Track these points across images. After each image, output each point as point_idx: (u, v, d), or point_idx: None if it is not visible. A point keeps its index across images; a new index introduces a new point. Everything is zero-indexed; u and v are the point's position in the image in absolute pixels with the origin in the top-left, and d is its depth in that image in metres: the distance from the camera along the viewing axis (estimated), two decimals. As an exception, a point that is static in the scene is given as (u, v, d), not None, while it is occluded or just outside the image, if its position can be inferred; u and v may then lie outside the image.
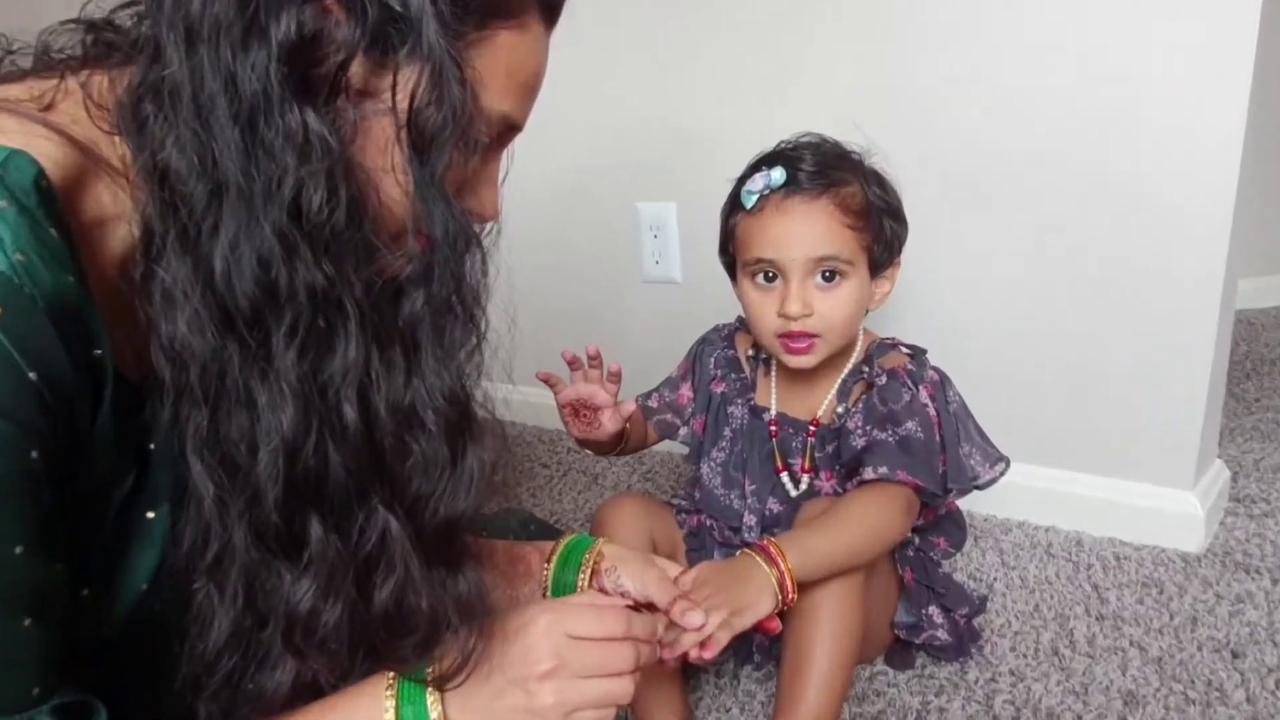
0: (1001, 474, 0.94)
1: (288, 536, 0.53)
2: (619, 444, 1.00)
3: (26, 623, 0.48)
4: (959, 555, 1.12)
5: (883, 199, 0.91)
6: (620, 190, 1.49)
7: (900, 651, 0.98)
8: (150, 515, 0.56)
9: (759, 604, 0.78)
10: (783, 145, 0.94)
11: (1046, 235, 1.15)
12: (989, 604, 1.08)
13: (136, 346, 0.53)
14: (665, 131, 1.41)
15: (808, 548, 0.82)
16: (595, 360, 0.94)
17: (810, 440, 0.96)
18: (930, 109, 1.18)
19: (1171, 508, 1.16)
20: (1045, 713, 0.90)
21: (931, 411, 0.90)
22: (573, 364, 0.95)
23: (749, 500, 0.98)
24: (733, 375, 1.03)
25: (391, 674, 0.60)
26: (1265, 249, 2.03)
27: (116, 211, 0.53)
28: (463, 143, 0.52)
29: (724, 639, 0.75)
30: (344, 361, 0.51)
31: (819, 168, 0.89)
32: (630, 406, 0.95)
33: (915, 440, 0.87)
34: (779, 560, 0.80)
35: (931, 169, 1.19)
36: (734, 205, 0.93)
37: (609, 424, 0.93)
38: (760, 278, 0.91)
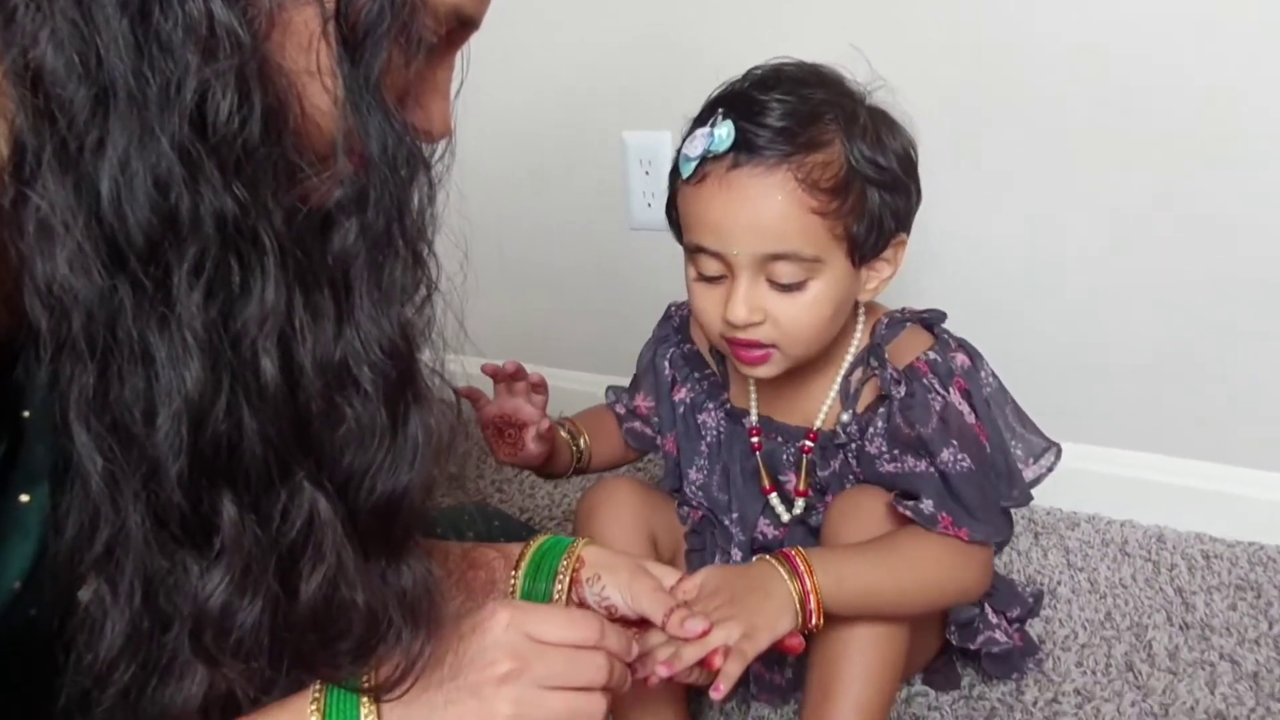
0: (1049, 469, 0.92)
1: (194, 520, 0.53)
2: (560, 467, 1.01)
3: None
4: (1009, 550, 1.14)
5: (873, 163, 0.81)
6: (603, 118, 1.48)
7: (944, 668, 0.99)
8: (24, 498, 0.56)
9: (777, 623, 0.77)
10: (748, 81, 0.85)
11: (1124, 184, 1.16)
12: (1052, 613, 1.10)
13: (4, 290, 0.53)
14: (656, 48, 1.40)
15: (842, 575, 0.80)
16: (516, 375, 0.95)
17: (807, 456, 0.93)
18: (988, 27, 1.17)
19: (1272, 496, 1.18)
20: None
21: (971, 418, 0.86)
22: (495, 376, 0.96)
23: (732, 527, 0.97)
24: (696, 375, 1.00)
25: (318, 685, 0.61)
26: None
27: None
28: (404, 39, 0.52)
29: (735, 672, 0.73)
30: (260, 307, 0.51)
31: (783, 124, 0.79)
32: (545, 425, 0.95)
33: (959, 475, 0.83)
34: (804, 575, 0.79)
35: (979, 101, 1.19)
36: (677, 162, 0.87)
37: (533, 445, 0.94)
38: (703, 263, 0.85)
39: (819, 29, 1.26)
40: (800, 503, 0.95)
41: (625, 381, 1.11)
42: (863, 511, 0.87)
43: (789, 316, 0.83)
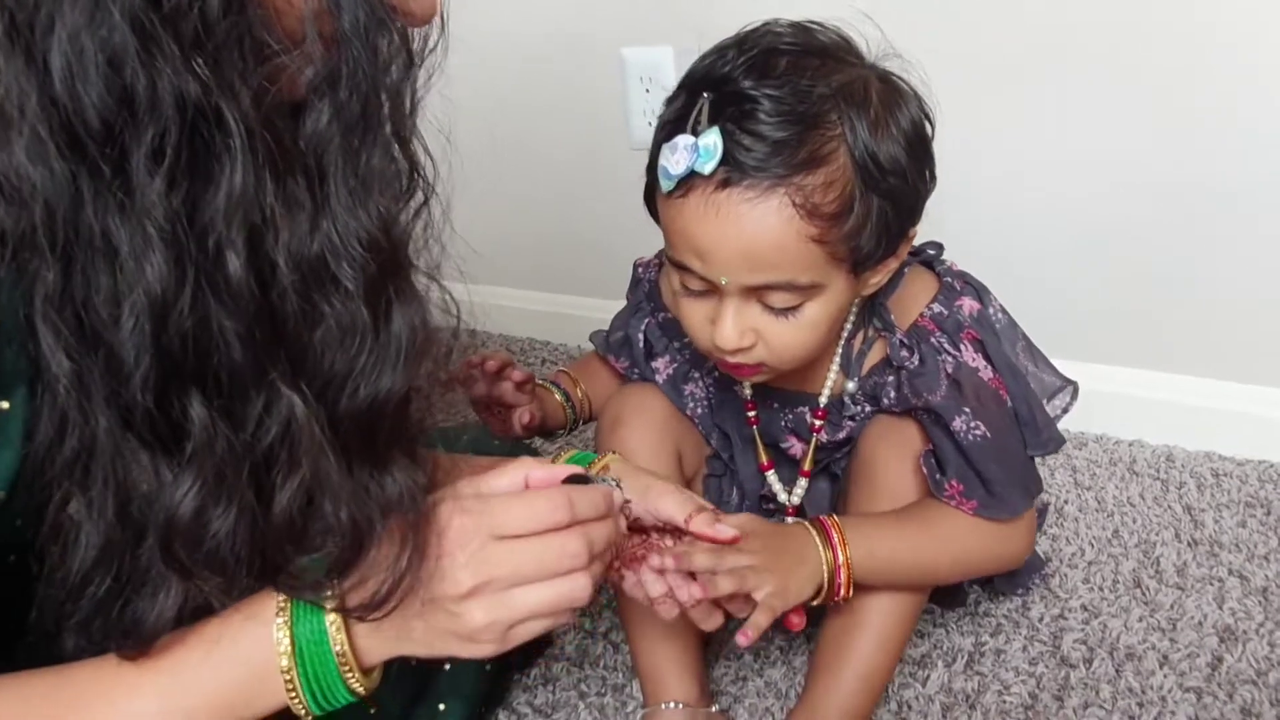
0: (1065, 409, 0.89)
1: (164, 423, 0.51)
2: (554, 427, 0.98)
3: None
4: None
5: (880, 165, 0.72)
6: (601, 32, 1.46)
7: (950, 585, 0.97)
8: (3, 405, 0.54)
9: (804, 590, 0.75)
10: (738, 60, 0.73)
11: (1133, 104, 1.15)
12: (1059, 531, 1.10)
13: None
14: None
15: (873, 549, 0.78)
16: (500, 374, 0.91)
17: (816, 435, 0.89)
18: None
19: None
20: (1124, 652, 0.92)
21: (987, 374, 0.82)
22: (482, 372, 0.92)
23: (736, 490, 0.95)
24: (676, 345, 0.95)
25: (283, 595, 0.59)
26: None
27: None
28: None
29: (764, 623, 0.72)
30: (228, 195, 0.49)
31: (779, 135, 0.70)
32: (528, 417, 0.91)
33: (975, 445, 0.78)
34: (839, 547, 0.77)
35: (1012, 36, 1.18)
36: (654, 158, 0.77)
37: (519, 429, 0.91)
38: (688, 280, 0.77)
39: None
40: (803, 483, 0.92)
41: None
42: (898, 439, 0.84)
43: (781, 340, 0.77)
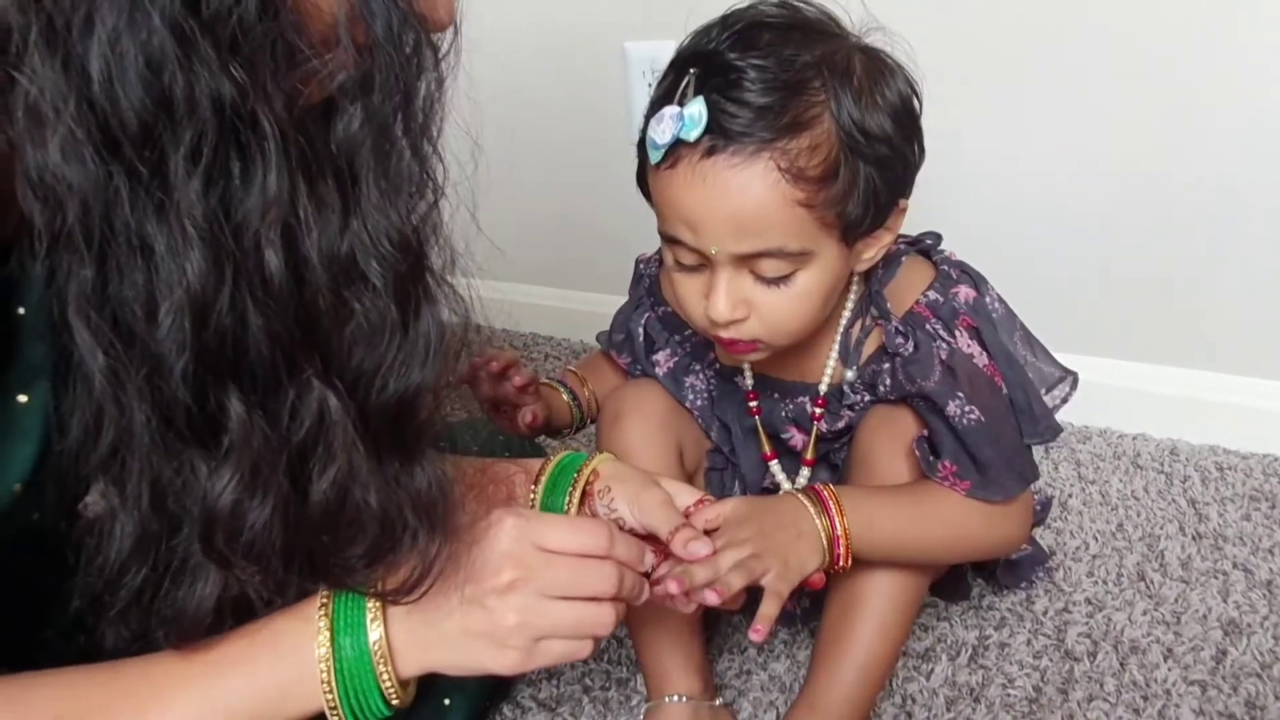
0: (1064, 399, 0.91)
1: (201, 418, 0.53)
2: (561, 426, 0.99)
3: None
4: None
5: (868, 132, 0.74)
6: (603, 26, 1.47)
7: (954, 579, 0.99)
8: (21, 399, 0.56)
9: (807, 563, 0.76)
10: (724, 35, 0.76)
11: (1134, 92, 1.16)
12: (1063, 524, 1.12)
13: None
14: None
15: (875, 518, 0.80)
16: (504, 375, 0.92)
17: (816, 424, 0.91)
18: None
19: None
20: (1129, 646, 0.94)
21: (982, 360, 0.83)
22: (486, 372, 0.93)
23: (738, 493, 0.96)
24: (677, 338, 0.97)
25: (326, 591, 0.62)
26: None
27: None
28: None
29: (773, 613, 0.73)
30: (263, 195, 0.50)
31: (763, 101, 0.72)
32: (530, 417, 0.93)
33: (969, 428, 0.80)
34: (835, 516, 0.78)
35: (1010, 22, 1.19)
36: (645, 134, 0.79)
37: (524, 428, 0.93)
38: (679, 253, 0.79)
39: None
40: (805, 472, 0.93)
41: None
42: (894, 429, 0.85)
43: (774, 311, 0.78)
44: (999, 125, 1.24)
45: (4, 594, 0.59)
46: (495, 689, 0.94)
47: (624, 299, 1.05)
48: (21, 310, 0.55)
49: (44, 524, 0.58)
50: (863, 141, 0.74)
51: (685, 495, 0.79)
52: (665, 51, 1.39)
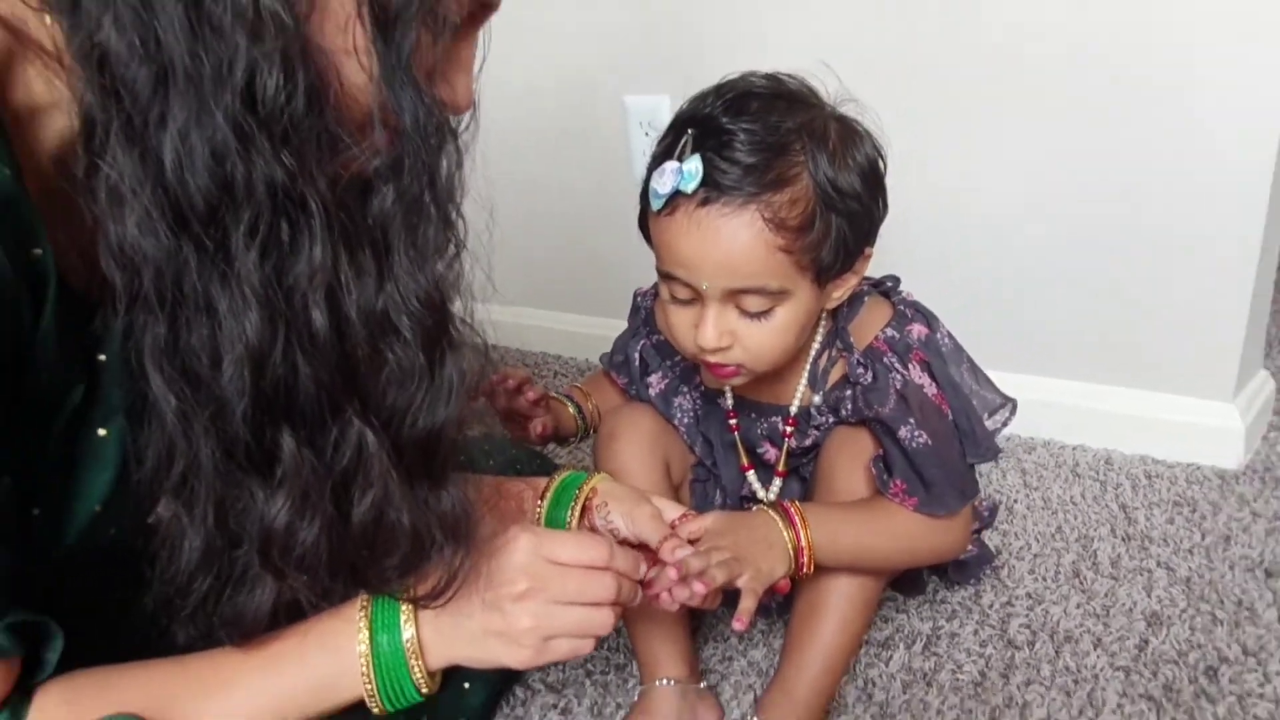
0: (1004, 423, 0.91)
1: (258, 452, 0.54)
2: (566, 435, 1.01)
3: None
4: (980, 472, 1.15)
5: (840, 190, 0.77)
6: (606, 82, 1.48)
7: (910, 576, 1.01)
8: (101, 432, 0.58)
9: (775, 570, 0.79)
10: (718, 101, 0.78)
11: (1071, 129, 1.17)
12: (1009, 527, 1.13)
13: (81, 249, 0.54)
14: (654, 15, 1.40)
15: (835, 532, 0.81)
16: (519, 391, 0.94)
17: (787, 441, 0.93)
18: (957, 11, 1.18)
19: (1209, 421, 1.20)
20: (1063, 636, 0.95)
21: (931, 389, 0.85)
22: (501, 388, 0.94)
23: (720, 491, 0.98)
24: (668, 363, 0.98)
25: (365, 596, 0.64)
26: None
27: (50, 99, 0.54)
28: (431, 20, 0.52)
29: (751, 607, 0.76)
30: (310, 264, 0.52)
31: (750, 161, 0.74)
32: (540, 428, 0.94)
33: (918, 451, 0.82)
34: (800, 529, 0.80)
35: (959, 72, 1.20)
36: (647, 185, 0.81)
37: (535, 438, 0.95)
38: (675, 289, 0.81)
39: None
40: (778, 482, 0.95)
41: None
42: (854, 448, 0.87)
43: (756, 341, 0.80)
44: (953, 163, 1.25)
45: (90, 598, 0.60)
46: (509, 675, 0.95)
47: (623, 324, 1.07)
48: (103, 357, 0.57)
49: (123, 539, 0.59)
50: (835, 197, 0.77)
51: (671, 510, 0.81)
52: (659, 105, 1.43)
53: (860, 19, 1.24)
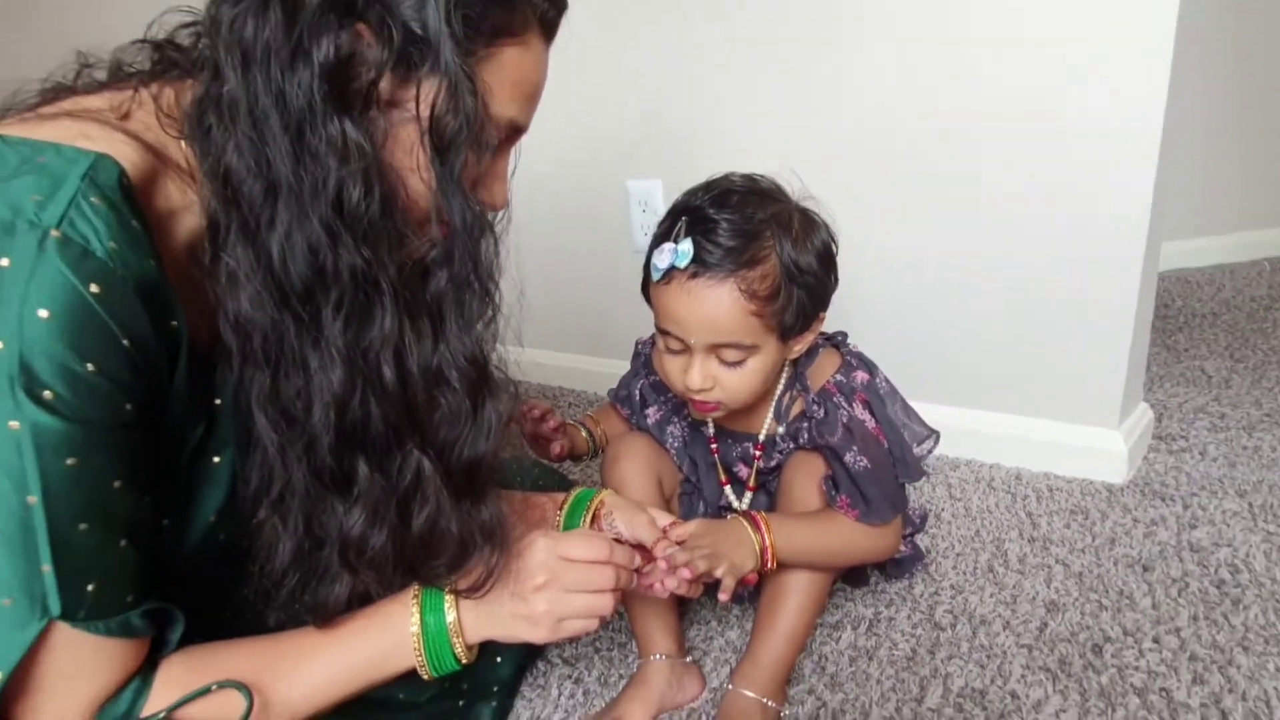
0: (930, 450, 0.93)
1: (339, 475, 0.57)
2: (580, 454, 1.02)
3: (123, 543, 0.54)
4: (908, 486, 1.17)
5: (801, 268, 0.80)
6: (613, 170, 1.51)
7: (857, 571, 1.03)
8: (216, 460, 0.61)
9: (745, 564, 0.81)
10: (706, 195, 0.82)
11: (982, 203, 1.19)
12: (937, 532, 1.14)
13: (206, 320, 0.58)
14: (653, 117, 1.43)
15: (792, 536, 0.83)
16: (543, 419, 0.95)
17: (757, 462, 0.94)
18: (889, 102, 1.21)
19: (1100, 445, 1.21)
20: (979, 619, 0.96)
21: (871, 424, 0.87)
22: (529, 413, 0.96)
23: (702, 511, 0.99)
24: (662, 399, 0.99)
25: (416, 587, 0.66)
26: (1201, 213, 2.06)
27: (184, 204, 0.57)
28: (476, 145, 0.56)
29: (731, 584, 0.79)
30: (382, 331, 0.55)
31: (731, 244, 0.78)
32: (558, 449, 0.95)
33: (860, 473, 0.84)
34: (765, 533, 0.82)
35: (889, 156, 1.23)
36: (649, 260, 0.85)
37: (553, 456, 0.96)
38: (669, 341, 0.84)
39: (766, 106, 1.30)
40: (749, 495, 0.96)
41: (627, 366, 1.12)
42: (809, 469, 0.90)
43: (732, 384, 0.83)
44: (886, 237, 1.26)
45: (203, 590, 0.63)
46: (533, 650, 0.96)
47: (625, 364, 1.10)
48: (219, 402, 0.60)
49: (230, 544, 0.61)
50: (797, 273, 0.80)
51: (663, 518, 0.83)
52: (654, 188, 1.47)
53: (818, 122, 1.28)
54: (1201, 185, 2.00)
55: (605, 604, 0.69)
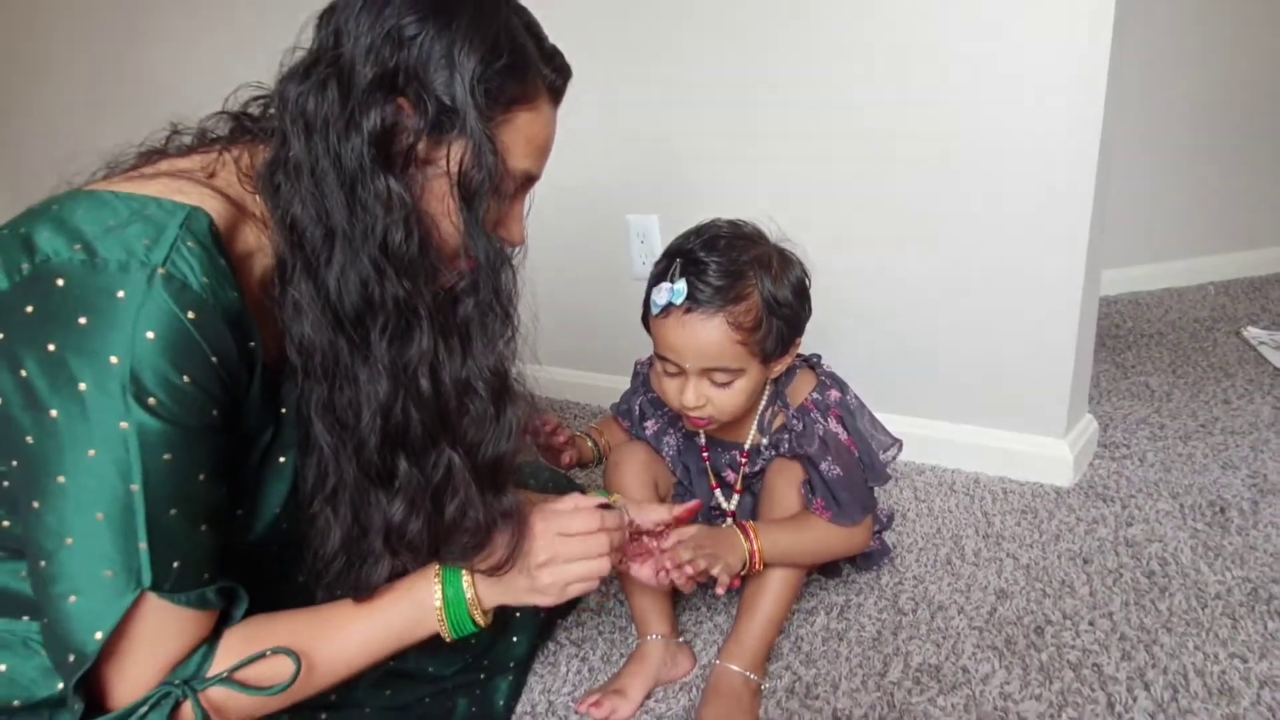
0: (895, 456, 0.97)
1: (384, 472, 0.62)
2: (586, 462, 1.05)
3: (204, 528, 0.59)
4: (878, 489, 1.21)
5: (780, 302, 0.85)
6: (613, 204, 1.55)
7: (831, 564, 1.07)
8: (282, 459, 0.66)
9: (735, 565, 0.85)
10: (698, 239, 0.87)
11: (941, 234, 1.22)
12: (903, 529, 1.18)
13: (275, 341, 0.64)
14: (650, 156, 1.47)
15: (776, 540, 0.87)
16: (554, 433, 0.98)
17: (743, 468, 0.98)
18: (865, 138, 1.25)
19: (1048, 453, 1.25)
20: (936, 605, 1.01)
21: (844, 436, 0.90)
22: (542, 424, 0.98)
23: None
24: (659, 413, 1.02)
25: (437, 565, 0.70)
26: (1151, 241, 2.10)
27: (259, 247, 0.63)
28: (496, 193, 0.62)
29: (725, 580, 0.82)
30: (420, 349, 0.61)
31: (720, 283, 0.83)
32: (567, 458, 0.98)
33: (833, 480, 0.88)
34: (753, 539, 0.86)
35: (870, 187, 1.26)
36: (648, 296, 0.89)
37: (563, 464, 0.99)
38: (667, 366, 0.89)
39: (756, 146, 1.35)
40: (736, 497, 1.00)
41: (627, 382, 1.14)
42: (789, 474, 0.93)
43: (721, 402, 0.88)
44: (856, 271, 1.30)
45: (262, 568, 0.67)
46: (546, 629, 0.99)
47: (625, 380, 1.13)
48: (284, 410, 0.65)
49: (290, 531, 0.66)
50: (777, 307, 0.85)
51: (663, 512, 0.87)
52: (651, 222, 1.53)
53: (793, 166, 1.33)
54: (1151, 215, 2.06)
55: (602, 566, 0.71)
